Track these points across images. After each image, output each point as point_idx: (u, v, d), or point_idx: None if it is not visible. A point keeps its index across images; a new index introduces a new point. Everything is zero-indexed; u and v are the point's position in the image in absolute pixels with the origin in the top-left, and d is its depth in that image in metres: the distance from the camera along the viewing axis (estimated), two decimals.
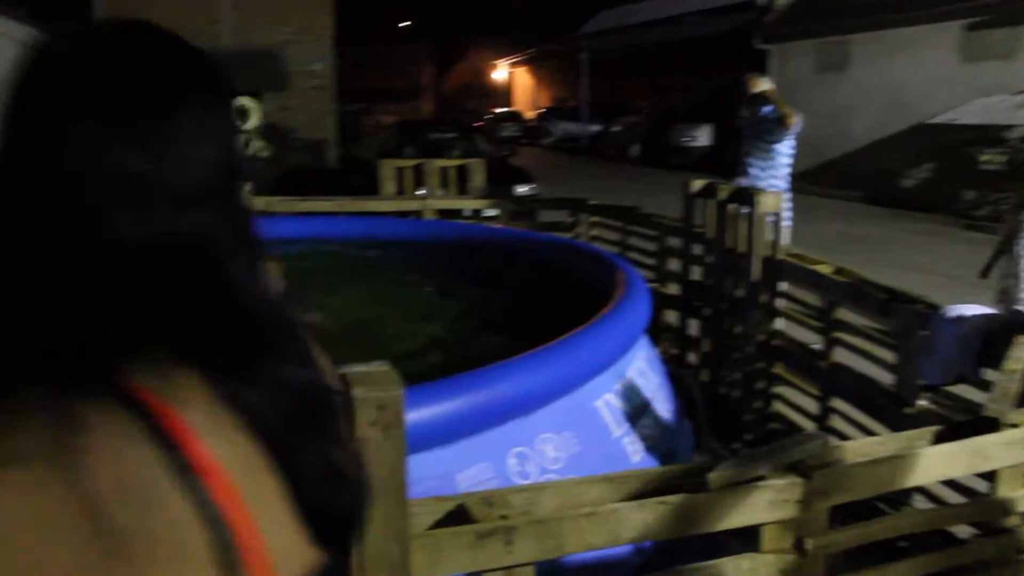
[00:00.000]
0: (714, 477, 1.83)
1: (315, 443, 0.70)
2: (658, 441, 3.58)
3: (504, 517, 1.72)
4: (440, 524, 1.80)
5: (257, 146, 10.42)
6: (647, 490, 1.88)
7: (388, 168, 7.88)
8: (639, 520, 1.75)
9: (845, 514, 2.14)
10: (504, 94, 51.18)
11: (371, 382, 1.45)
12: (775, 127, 7.04)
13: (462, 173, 8.15)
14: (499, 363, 2.95)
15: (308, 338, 0.78)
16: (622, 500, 1.86)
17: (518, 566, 1.70)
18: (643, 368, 3.89)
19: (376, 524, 1.48)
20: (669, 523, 1.78)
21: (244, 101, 9.99)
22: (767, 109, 7.12)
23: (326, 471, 0.71)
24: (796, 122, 6.95)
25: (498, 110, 43.12)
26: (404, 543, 1.47)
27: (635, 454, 3.37)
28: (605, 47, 33.51)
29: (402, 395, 1.44)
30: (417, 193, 7.72)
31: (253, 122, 10.01)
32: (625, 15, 33.87)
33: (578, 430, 3.13)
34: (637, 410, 3.58)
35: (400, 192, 7.77)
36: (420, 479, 2.48)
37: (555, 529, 1.70)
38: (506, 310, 4.98)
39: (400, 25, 54.74)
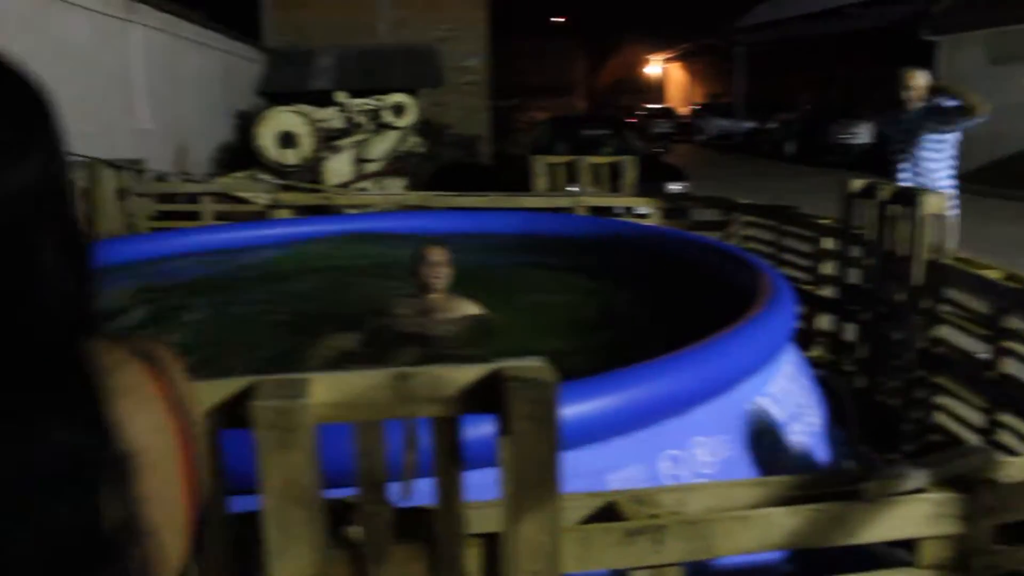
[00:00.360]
0: (871, 486, 1.79)
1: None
2: (809, 448, 3.51)
3: (654, 516, 1.74)
4: (591, 520, 1.84)
5: (413, 142, 10.71)
6: (799, 496, 1.86)
7: (540, 164, 7.97)
8: (790, 525, 1.74)
9: (1010, 535, 2.05)
10: (657, 89, 50.70)
11: (527, 378, 1.49)
12: (951, 117, 6.62)
13: (614, 170, 8.16)
14: (653, 360, 2.95)
15: (109, 384, 0.70)
16: (773, 504, 1.85)
17: (666, 565, 1.72)
18: (794, 373, 3.82)
19: (529, 515, 1.53)
20: (821, 530, 1.76)
21: (401, 98, 10.27)
22: (949, 103, 6.70)
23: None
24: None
25: (651, 106, 42.75)
26: (555, 535, 1.51)
27: (787, 460, 3.32)
28: (762, 41, 32.74)
29: (556, 390, 1.48)
30: (569, 189, 7.77)
31: (410, 118, 10.28)
32: (784, 7, 32.95)
33: (731, 434, 3.09)
34: (789, 415, 3.51)
35: (552, 188, 7.84)
36: (571, 476, 2.53)
37: (705, 530, 1.71)
38: (651, 310, 4.97)
39: (553, 20, 54.97)
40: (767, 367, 3.51)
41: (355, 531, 1.67)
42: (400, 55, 19.16)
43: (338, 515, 1.69)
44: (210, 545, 1.62)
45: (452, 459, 1.60)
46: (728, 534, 1.71)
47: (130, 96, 9.65)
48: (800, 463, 3.36)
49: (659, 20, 48.80)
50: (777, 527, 1.73)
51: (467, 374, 1.52)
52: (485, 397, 1.54)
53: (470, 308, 4.34)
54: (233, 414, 1.49)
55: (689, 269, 5.36)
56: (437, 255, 4.27)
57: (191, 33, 12.32)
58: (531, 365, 1.52)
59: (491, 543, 1.67)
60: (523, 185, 8.28)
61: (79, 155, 7.52)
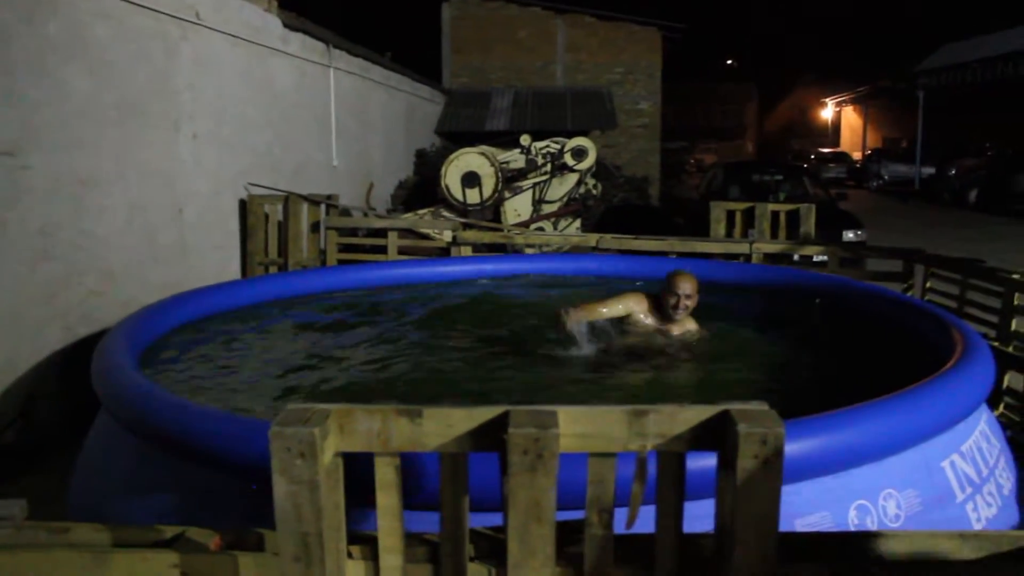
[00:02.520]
0: None
1: None
2: (1001, 510, 3.44)
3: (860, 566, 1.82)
4: (792, 558, 1.93)
5: (590, 184, 10.95)
6: (1001, 552, 1.90)
7: (719, 210, 8.03)
8: None
9: None
10: (830, 133, 49.44)
11: (754, 419, 1.62)
12: None
13: (792, 217, 8.13)
14: (847, 408, 2.98)
15: None
16: (979, 555, 1.89)
17: None
18: (986, 432, 3.75)
19: (748, 548, 1.64)
20: None
21: (582, 142, 10.53)
22: None
23: None
24: None
25: (823, 150, 41.73)
26: (773, 569, 1.62)
27: (977, 522, 3.25)
28: (944, 84, 31.49)
29: (783, 434, 1.59)
30: (746, 236, 7.79)
31: (589, 162, 10.53)
32: (967, 51, 31.60)
33: (922, 489, 3.08)
34: (981, 475, 3.45)
35: (729, 234, 7.88)
36: None
37: None
38: (831, 360, 4.94)
39: (726, 63, 54.60)
40: (960, 424, 3.47)
41: (580, 552, 1.82)
42: (574, 97, 19.56)
43: (565, 536, 1.85)
44: (449, 557, 1.82)
45: (676, 491, 1.73)
46: None
47: (326, 136, 10.29)
48: (990, 524, 3.30)
49: (833, 63, 47.74)
50: None
51: (697, 414, 1.65)
52: (711, 435, 1.67)
53: (693, 325, 4.78)
54: (485, 439, 1.67)
55: (882, 323, 5.30)
56: (688, 287, 4.65)
57: (379, 76, 13.00)
58: (758, 409, 1.64)
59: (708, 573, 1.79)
60: (692, 228, 8.37)
61: (281, 190, 8.10)
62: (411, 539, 1.88)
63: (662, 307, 4.75)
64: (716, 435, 1.67)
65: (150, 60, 6.33)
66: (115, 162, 5.88)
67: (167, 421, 2.90)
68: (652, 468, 1.74)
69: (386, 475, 1.75)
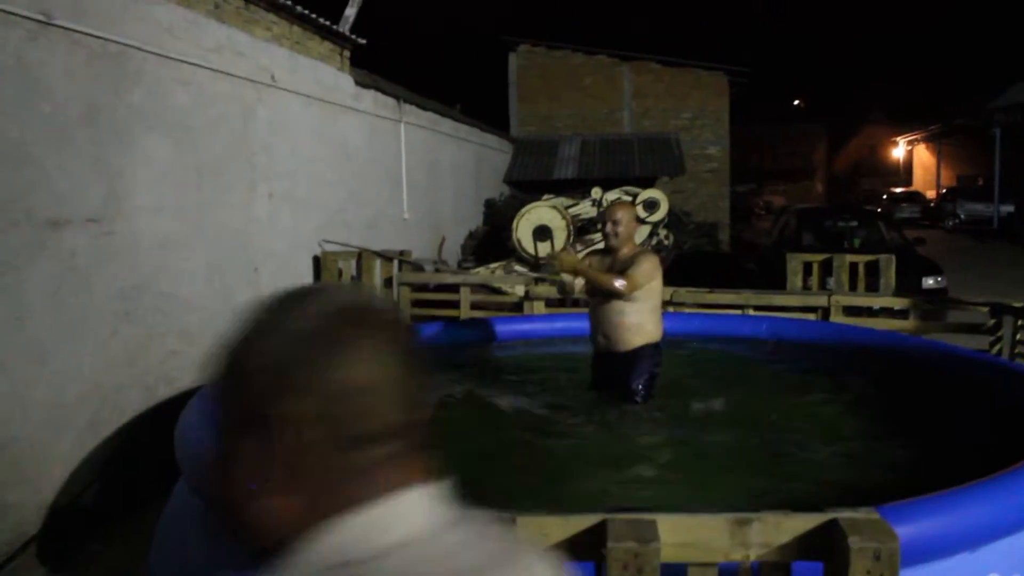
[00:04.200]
0: None
1: None
2: None
3: None
4: None
5: (662, 234, 10.85)
6: None
7: (796, 261, 7.88)
8: None
9: None
10: (901, 172, 48.61)
11: (864, 530, 1.54)
12: None
13: (870, 267, 7.94)
14: (943, 491, 2.85)
15: None
16: None
17: None
18: None
19: None
20: None
21: (654, 193, 10.47)
22: None
23: None
24: None
25: (896, 189, 40.99)
26: None
27: None
28: (1021, 120, 30.77)
29: (898, 548, 1.51)
30: (824, 287, 7.62)
31: (661, 213, 10.45)
32: None
33: None
34: None
35: (807, 286, 7.72)
36: None
37: None
38: (919, 430, 4.74)
39: (793, 103, 54.18)
40: None
41: None
42: (642, 144, 19.53)
43: None
44: None
45: None
46: None
47: (397, 189, 10.40)
48: None
49: (903, 100, 47.09)
50: None
51: (804, 523, 1.58)
52: (817, 545, 1.59)
53: (631, 250, 4.86)
54: (581, 548, 1.61)
55: (975, 389, 5.11)
56: (613, 215, 4.85)
57: (449, 128, 13.14)
58: (869, 518, 1.56)
59: None
60: (765, 274, 8.22)
61: (354, 246, 8.18)
62: None
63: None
64: (823, 545, 1.59)
65: (228, 123, 6.47)
66: (194, 224, 5.99)
67: None
68: None
69: None
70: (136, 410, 5.37)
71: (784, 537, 1.60)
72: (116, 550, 4.71)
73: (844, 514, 1.58)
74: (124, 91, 5.27)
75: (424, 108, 11.67)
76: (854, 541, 1.51)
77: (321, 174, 8.14)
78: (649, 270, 4.73)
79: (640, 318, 4.80)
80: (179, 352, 5.79)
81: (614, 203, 5.02)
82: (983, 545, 2.84)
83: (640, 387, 4.83)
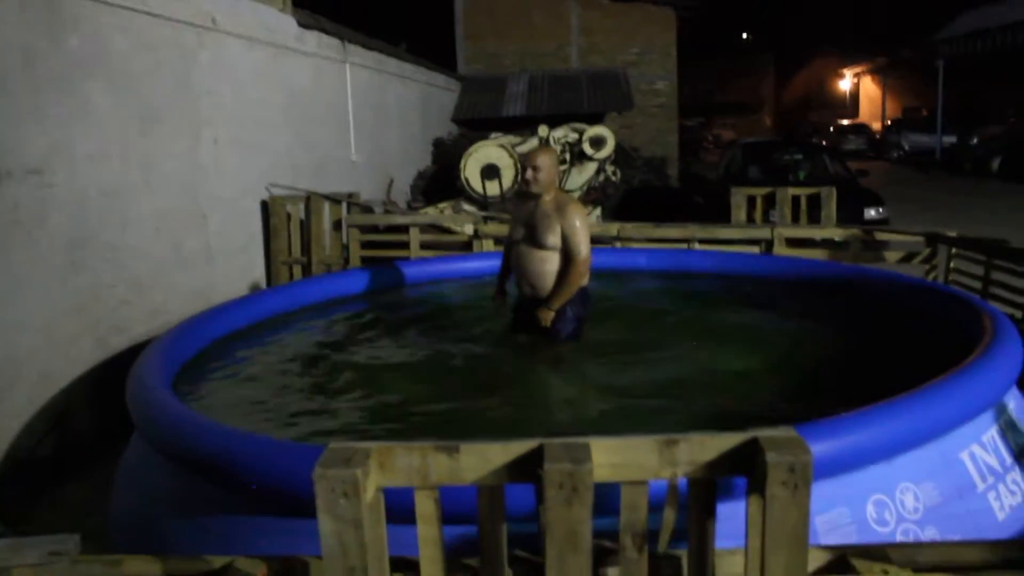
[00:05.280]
0: None
1: None
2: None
3: (885, 572, 1.87)
4: (822, 572, 1.98)
5: (609, 171, 10.93)
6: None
7: (739, 196, 8.02)
8: None
9: None
10: (848, 104, 49.04)
11: (782, 446, 1.66)
12: None
13: (812, 200, 8.12)
14: (862, 408, 3.02)
15: None
16: (1001, 566, 1.93)
17: None
18: (1012, 420, 3.76)
19: (777, 570, 1.69)
20: None
21: (600, 131, 10.52)
22: None
23: None
24: None
25: (843, 122, 41.40)
26: None
27: (1001, 511, 3.26)
28: (965, 52, 31.15)
29: (811, 461, 1.63)
30: (768, 220, 7.79)
31: (607, 150, 10.51)
32: (990, 16, 31.24)
33: (940, 481, 3.10)
34: (1005, 464, 3.46)
35: (750, 219, 7.88)
36: None
37: None
38: (853, 352, 4.94)
39: (741, 36, 54.16)
40: (982, 416, 3.48)
41: (616, 573, 1.88)
42: (590, 79, 19.50)
43: (599, 557, 1.91)
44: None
45: (707, 515, 1.78)
46: None
47: (344, 131, 10.34)
48: (1014, 512, 3.30)
49: (852, 33, 47.27)
50: None
51: (727, 442, 1.70)
52: (740, 461, 1.72)
53: (551, 194, 4.80)
54: (520, 471, 1.72)
55: (904, 310, 5.32)
56: (529, 161, 4.80)
57: (394, 68, 13.01)
58: (786, 435, 1.68)
59: None
60: (713, 208, 8.38)
61: (302, 189, 8.17)
62: (452, 565, 1.94)
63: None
64: (745, 462, 1.71)
65: (170, 69, 6.40)
66: (139, 173, 5.95)
67: (196, 444, 2.98)
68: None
69: (426, 508, 1.80)
70: (89, 360, 5.39)
71: (709, 455, 1.72)
72: (75, 498, 4.77)
73: (764, 433, 1.70)
74: (61, 37, 5.19)
75: (369, 48, 11.55)
76: (771, 456, 1.63)
77: (267, 118, 8.08)
78: (584, 226, 4.69)
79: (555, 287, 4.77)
80: (130, 301, 5.79)
81: (534, 149, 4.91)
82: (894, 457, 3.04)
83: (570, 332, 4.83)
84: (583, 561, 1.69)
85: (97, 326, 5.49)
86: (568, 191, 10.69)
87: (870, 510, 2.92)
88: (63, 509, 4.61)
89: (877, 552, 1.99)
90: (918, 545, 2.03)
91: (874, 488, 2.95)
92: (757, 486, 1.68)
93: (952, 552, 2.01)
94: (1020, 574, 1.90)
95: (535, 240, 4.72)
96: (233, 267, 7.29)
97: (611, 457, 1.71)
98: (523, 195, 4.91)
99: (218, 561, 2.08)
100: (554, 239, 4.66)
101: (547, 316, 4.69)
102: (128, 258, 5.81)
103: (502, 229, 7.86)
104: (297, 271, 7.99)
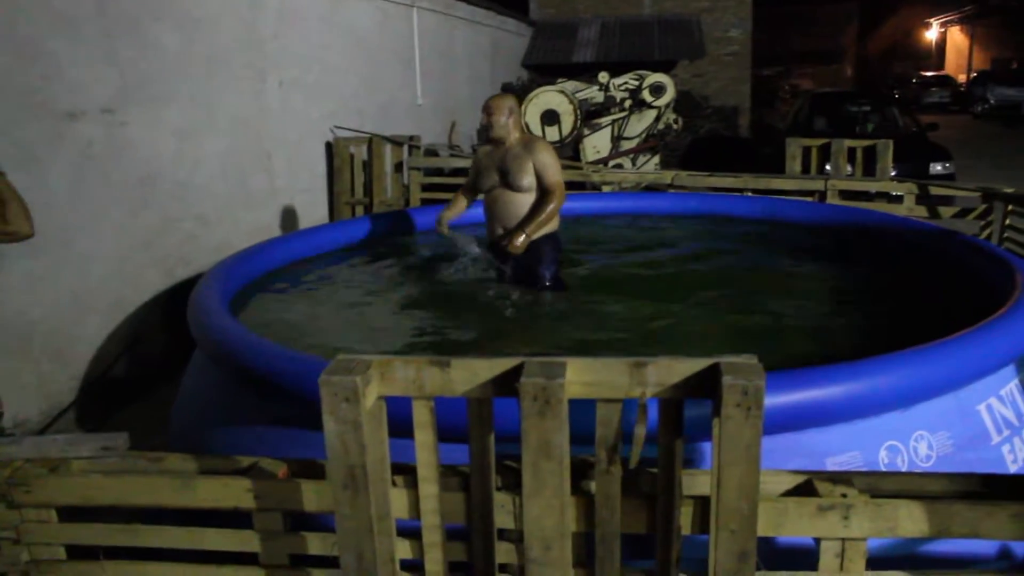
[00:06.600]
0: None
1: None
2: None
3: (844, 495, 2.03)
4: (791, 494, 2.15)
5: (669, 118, 10.93)
6: (988, 493, 2.08)
7: (795, 146, 8.02)
8: (971, 519, 1.97)
9: None
10: (934, 55, 47.45)
11: (739, 372, 1.82)
12: None
13: (870, 153, 8.07)
14: (880, 356, 3.11)
15: None
16: (961, 498, 2.07)
17: (853, 539, 2.01)
18: None
19: (731, 485, 1.87)
20: (1003, 528, 1.97)
21: (660, 78, 10.49)
22: None
23: None
24: None
25: (927, 74, 40.14)
26: (753, 503, 1.84)
27: (1013, 463, 3.31)
28: None
29: (763, 385, 1.80)
30: (823, 173, 7.78)
31: (668, 98, 10.51)
32: None
33: (954, 431, 3.16)
34: (1022, 419, 3.52)
35: (806, 170, 7.88)
36: (792, 456, 2.81)
37: (889, 512, 1.98)
38: (888, 304, 5.00)
39: None
40: (1000, 370, 3.54)
41: (592, 485, 2.08)
42: (662, 26, 19.31)
43: (579, 471, 2.11)
44: (477, 486, 2.09)
45: (674, 433, 1.97)
46: (911, 518, 1.97)
47: (410, 75, 10.53)
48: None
49: None
50: (957, 517, 1.97)
51: (691, 366, 1.87)
52: (705, 385, 1.89)
53: (516, 138, 4.84)
54: (504, 385, 1.93)
55: (930, 260, 5.36)
56: (488, 106, 4.85)
57: (464, 12, 13.11)
58: (745, 362, 1.85)
59: (702, 504, 2.03)
60: (778, 159, 8.36)
61: (365, 132, 8.40)
62: (446, 470, 2.16)
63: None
64: (709, 385, 1.89)
65: (236, 13, 6.64)
66: (206, 114, 6.24)
67: (250, 359, 3.25)
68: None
69: (422, 416, 2.03)
70: (156, 290, 5.74)
71: (675, 378, 1.89)
72: (144, 413, 5.15)
73: (726, 359, 1.87)
74: None
75: None
76: (727, 380, 1.80)
77: (332, 61, 8.31)
78: (555, 160, 4.73)
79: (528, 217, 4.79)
80: (196, 236, 6.12)
81: (490, 99, 4.94)
82: (913, 405, 3.15)
83: (548, 275, 4.89)
84: (555, 467, 1.90)
85: (166, 259, 5.83)
86: (627, 138, 10.75)
87: (883, 455, 3.01)
88: (133, 422, 4.98)
89: (842, 478, 2.15)
90: (882, 474, 2.18)
91: (889, 434, 3.04)
92: (717, 408, 1.86)
93: (914, 482, 2.15)
94: (978, 504, 2.03)
95: (509, 183, 4.76)
96: (296, 206, 7.59)
97: (585, 376, 1.90)
98: (491, 142, 4.93)
99: (245, 461, 2.34)
100: (529, 179, 4.71)
101: (520, 239, 4.65)
102: (195, 195, 6.12)
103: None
104: (360, 211, 8.25)
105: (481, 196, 5.08)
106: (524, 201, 4.77)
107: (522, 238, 4.64)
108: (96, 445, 2.34)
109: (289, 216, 7.42)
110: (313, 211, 7.93)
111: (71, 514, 2.43)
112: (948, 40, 46.34)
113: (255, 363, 3.17)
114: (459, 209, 5.35)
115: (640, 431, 1.94)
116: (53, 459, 2.39)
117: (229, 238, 6.37)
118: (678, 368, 1.89)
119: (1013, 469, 3.31)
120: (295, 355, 3.17)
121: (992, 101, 30.86)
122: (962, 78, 38.39)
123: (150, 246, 5.68)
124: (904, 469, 3.00)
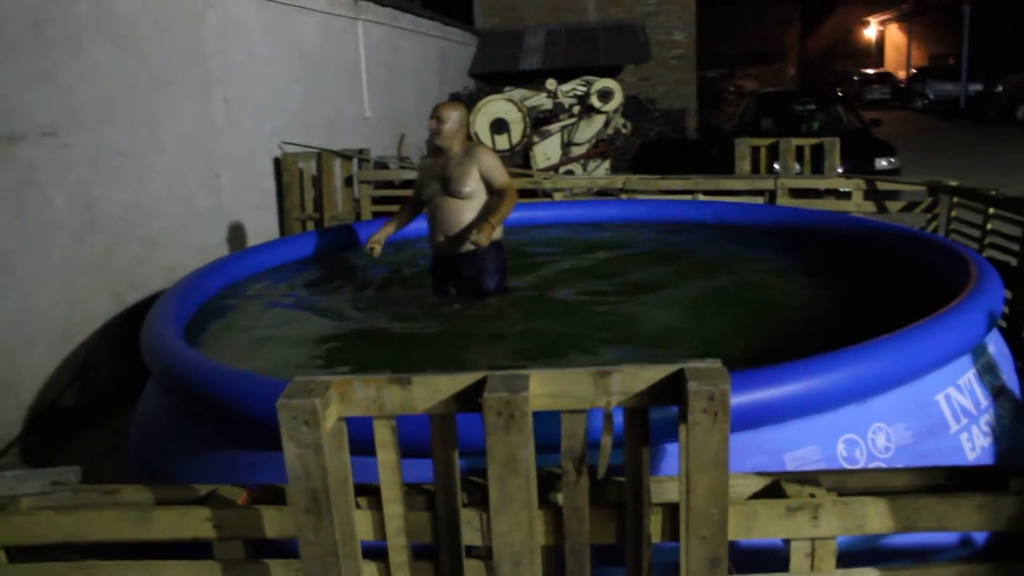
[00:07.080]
0: (1018, 481, 1.99)
1: None
2: (999, 440, 3.54)
3: (812, 495, 2.03)
4: (759, 496, 2.14)
5: (618, 123, 10.99)
6: (952, 485, 2.09)
7: (744, 146, 8.09)
8: (938, 512, 1.98)
9: None
10: (873, 53, 48.30)
11: (704, 377, 1.81)
12: None
13: (817, 151, 8.17)
14: (833, 352, 3.13)
15: None
16: (926, 491, 2.08)
17: (822, 539, 2.00)
18: (991, 364, 3.84)
19: (700, 491, 1.85)
20: (968, 519, 1.98)
21: (608, 83, 10.55)
22: None
23: None
24: None
25: (867, 71, 40.84)
26: (723, 508, 1.82)
27: (971, 451, 3.35)
28: None
29: (729, 389, 1.79)
30: (772, 172, 7.85)
31: (615, 103, 10.57)
32: None
33: (912, 422, 3.18)
34: (980, 407, 3.55)
35: (755, 170, 7.95)
36: (751, 454, 2.81)
37: (857, 510, 1.98)
38: (841, 299, 5.05)
39: None
40: (956, 361, 3.56)
41: (559, 497, 2.05)
42: (608, 31, 19.42)
43: (546, 483, 2.08)
44: (445, 501, 2.06)
45: (641, 441, 1.95)
46: (878, 515, 1.98)
47: (357, 88, 10.46)
48: (987, 454, 3.42)
49: None
50: (924, 512, 1.98)
51: (656, 373, 1.86)
52: (670, 391, 1.88)
53: (459, 147, 4.86)
54: (467, 401, 1.90)
55: (881, 255, 5.42)
56: (436, 113, 4.87)
57: (409, 23, 13.07)
58: (710, 367, 1.84)
59: (671, 511, 2.01)
60: (727, 159, 8.43)
61: (313, 147, 8.32)
62: (411, 489, 2.12)
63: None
64: (675, 391, 1.87)
65: (178, 29, 6.54)
66: (151, 133, 6.13)
67: (205, 386, 3.18)
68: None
69: (384, 435, 1.98)
70: (106, 314, 5.62)
71: (640, 386, 1.87)
72: (95, 444, 5.02)
73: (690, 364, 1.85)
74: (68, 0, 5.34)
75: (382, 3, 11.61)
76: (692, 385, 1.78)
77: (278, 76, 8.22)
78: (499, 162, 4.74)
79: (483, 216, 4.75)
80: (144, 258, 6.00)
81: (440, 103, 4.97)
82: (869, 398, 3.17)
83: (494, 284, 4.90)
84: (522, 482, 1.87)
85: (114, 282, 5.71)
86: (577, 144, 10.79)
87: (840, 448, 3.02)
88: (84, 454, 4.85)
89: (809, 478, 2.15)
90: (849, 472, 2.19)
91: (846, 428, 3.05)
92: (683, 414, 1.84)
93: (880, 478, 2.16)
94: (944, 497, 2.04)
95: (451, 191, 4.74)
96: (246, 223, 7.48)
97: (549, 387, 1.87)
98: (434, 151, 4.96)
99: (203, 489, 2.28)
100: (471, 185, 4.70)
101: (485, 232, 4.54)
102: (142, 216, 6.01)
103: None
104: (310, 227, 8.17)
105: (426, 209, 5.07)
106: (466, 208, 4.75)
107: (487, 230, 4.56)
108: (46, 480, 2.26)
109: (239, 234, 7.32)
110: (264, 228, 7.83)
111: (22, 553, 2.35)
112: (887, 38, 47.22)
113: (209, 387, 3.11)
114: (402, 223, 5.32)
115: (607, 441, 1.92)
116: (0, 497, 2.31)
117: (179, 259, 6.26)
118: (643, 375, 1.88)
119: (971, 457, 3.34)
120: (252, 376, 3.12)
121: (931, 96, 31.59)
122: (902, 75, 39.13)
123: (97, 270, 5.56)
124: (863, 461, 3.01)
